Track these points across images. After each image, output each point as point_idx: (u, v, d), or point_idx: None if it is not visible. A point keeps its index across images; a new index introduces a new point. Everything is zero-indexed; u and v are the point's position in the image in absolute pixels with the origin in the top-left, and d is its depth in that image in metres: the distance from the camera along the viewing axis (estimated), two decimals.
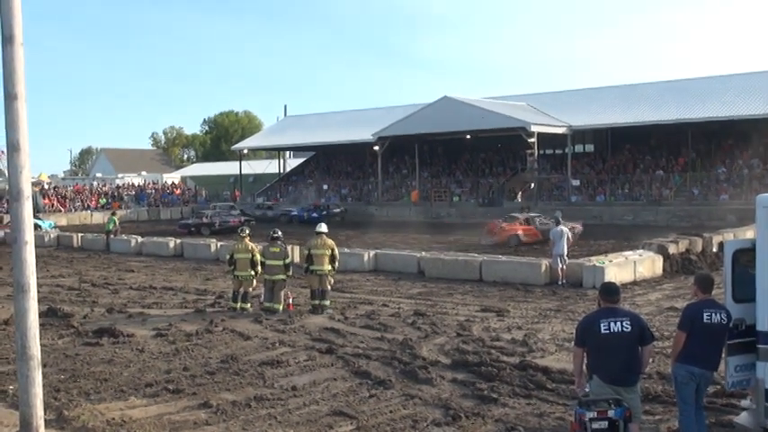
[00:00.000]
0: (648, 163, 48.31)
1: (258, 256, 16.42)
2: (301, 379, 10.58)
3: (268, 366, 11.25)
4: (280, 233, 17.05)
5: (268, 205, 56.66)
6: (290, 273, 16.61)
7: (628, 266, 19.44)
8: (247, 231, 17.27)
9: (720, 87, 46.89)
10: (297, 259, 24.03)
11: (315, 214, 46.99)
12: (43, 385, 7.83)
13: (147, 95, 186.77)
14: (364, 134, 54.75)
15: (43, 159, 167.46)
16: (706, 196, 43.42)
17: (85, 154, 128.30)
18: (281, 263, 16.21)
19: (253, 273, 16.37)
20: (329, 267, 16.14)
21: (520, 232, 30.90)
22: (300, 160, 73.54)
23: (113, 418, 8.78)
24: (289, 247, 24.74)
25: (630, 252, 21.37)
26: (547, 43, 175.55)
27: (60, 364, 11.65)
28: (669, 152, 48.39)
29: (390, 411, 9.05)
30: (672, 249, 21.43)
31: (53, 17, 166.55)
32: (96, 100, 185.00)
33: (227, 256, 17.50)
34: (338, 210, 51.51)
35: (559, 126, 47.87)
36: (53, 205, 59.94)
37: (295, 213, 50.19)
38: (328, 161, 66.30)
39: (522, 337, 12.92)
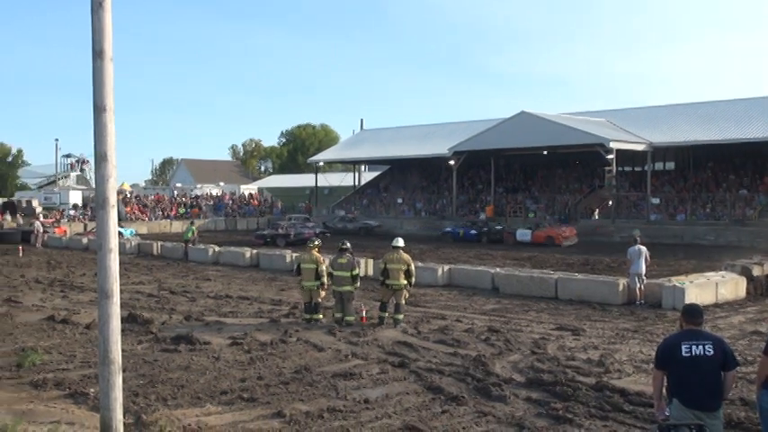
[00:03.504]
0: (732, 182, 47.01)
1: (323, 267, 16.48)
2: (374, 392, 10.57)
3: (341, 378, 11.29)
4: (348, 244, 17.09)
5: (350, 218, 55.55)
6: (358, 284, 16.64)
7: (709, 288, 18.90)
8: (317, 242, 17.32)
9: None
10: (371, 272, 24.21)
11: (473, 231, 45.08)
12: (123, 389, 8.01)
13: (227, 108, 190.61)
14: (439, 148, 54.77)
15: (126, 169, 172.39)
16: None
17: (166, 164, 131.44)
18: (348, 274, 16.25)
19: (318, 283, 16.43)
20: (404, 282, 16.12)
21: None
22: (375, 173, 73.90)
23: (190, 425, 8.91)
24: (362, 261, 24.97)
25: (712, 273, 20.79)
26: (627, 59, 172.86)
27: (139, 369, 11.90)
28: (754, 171, 47.03)
29: (463, 428, 8.96)
30: (756, 271, 20.74)
31: (140, 34, 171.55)
32: (179, 113, 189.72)
33: (295, 266, 17.80)
34: (499, 227, 45.58)
35: (639, 143, 46.98)
36: (134, 214, 61.56)
37: (449, 230, 46.92)
38: (403, 175, 66.46)
39: (599, 357, 12.66)
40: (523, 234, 42.60)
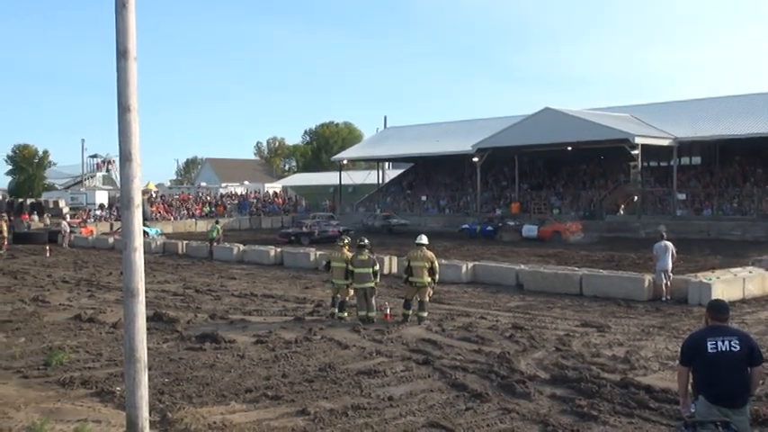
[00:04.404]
0: (760, 176, 46.44)
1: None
2: (398, 389, 10.58)
3: (365, 376, 11.30)
4: (366, 241, 17.10)
5: (385, 216, 54.03)
6: (379, 280, 16.65)
7: (736, 283, 18.72)
8: (346, 240, 17.40)
9: None
10: (395, 270, 24.23)
11: (489, 227, 44.98)
12: (148, 387, 8.07)
13: (250, 107, 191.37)
14: (463, 146, 54.60)
15: (151, 169, 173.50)
16: None
17: (191, 164, 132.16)
18: (369, 270, 16.27)
19: (348, 281, 16.48)
20: (428, 279, 16.11)
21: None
22: (399, 171, 73.87)
23: (215, 422, 8.96)
24: (386, 258, 25.02)
25: (739, 269, 20.59)
26: (652, 54, 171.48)
27: (165, 367, 11.99)
28: None
29: (487, 425, 8.94)
30: None
31: (165, 32, 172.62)
32: (203, 112, 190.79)
33: (324, 262, 17.88)
34: (512, 223, 45.44)
35: (665, 138, 46.60)
36: (160, 213, 61.95)
37: (465, 227, 46.79)
38: (427, 172, 66.36)
39: (624, 353, 12.58)
40: (530, 230, 42.71)
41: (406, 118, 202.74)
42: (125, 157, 7.77)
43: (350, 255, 16.69)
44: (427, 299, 16.23)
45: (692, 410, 6.62)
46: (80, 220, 55.03)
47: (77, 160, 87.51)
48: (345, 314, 16.45)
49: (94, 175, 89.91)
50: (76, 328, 15.66)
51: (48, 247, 38.37)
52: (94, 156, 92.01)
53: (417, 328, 15.31)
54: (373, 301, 16.27)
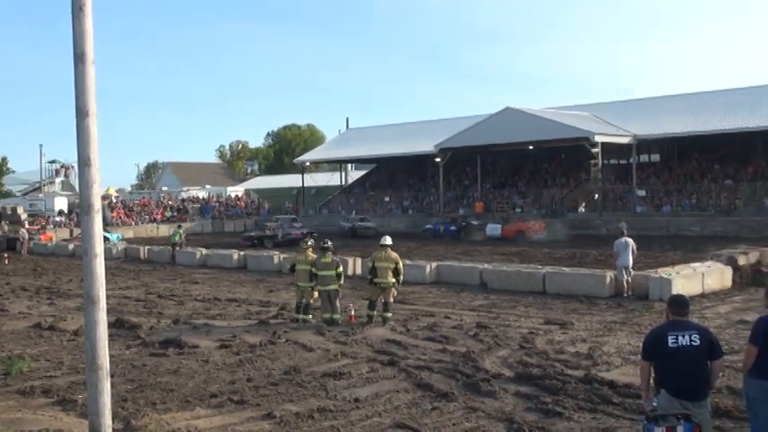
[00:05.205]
0: (717, 172, 47.25)
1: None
2: (364, 391, 10.57)
3: (330, 378, 11.28)
4: (330, 243, 17.02)
5: (360, 218, 53.35)
6: (342, 282, 16.63)
7: (696, 278, 19.00)
8: (309, 243, 17.35)
9: None
10: (359, 271, 24.22)
11: (453, 227, 45.44)
12: (111, 395, 7.99)
13: (212, 110, 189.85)
14: (426, 146, 54.80)
15: (111, 173, 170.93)
16: None
17: (151, 168, 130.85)
18: (332, 273, 16.21)
19: (312, 284, 16.41)
20: (393, 280, 16.12)
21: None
22: (362, 172, 73.92)
23: (179, 428, 8.89)
24: (350, 260, 25.01)
25: (698, 263, 20.89)
26: (611, 54, 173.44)
27: (128, 374, 11.85)
28: (738, 161, 47.27)
29: (453, 424, 8.97)
30: (742, 261, 20.88)
31: (122, 35, 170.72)
32: (164, 115, 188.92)
33: (288, 266, 17.87)
34: (476, 222, 46.29)
35: (624, 136, 47.22)
36: (120, 218, 61.30)
37: (429, 227, 47.28)
38: (390, 173, 66.45)
39: (587, 350, 12.72)
40: (494, 229, 43.22)
41: (369, 119, 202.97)
42: (84, 162, 7.68)
43: (314, 257, 16.63)
44: (392, 299, 16.24)
45: (655, 404, 6.70)
46: (39, 226, 54.17)
47: (35, 166, 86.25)
48: (310, 316, 16.40)
49: (53, 181, 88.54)
50: (37, 337, 15.44)
51: (6, 255, 37.82)
52: (53, 161, 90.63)
53: (382, 329, 15.32)
54: (337, 303, 16.24)
